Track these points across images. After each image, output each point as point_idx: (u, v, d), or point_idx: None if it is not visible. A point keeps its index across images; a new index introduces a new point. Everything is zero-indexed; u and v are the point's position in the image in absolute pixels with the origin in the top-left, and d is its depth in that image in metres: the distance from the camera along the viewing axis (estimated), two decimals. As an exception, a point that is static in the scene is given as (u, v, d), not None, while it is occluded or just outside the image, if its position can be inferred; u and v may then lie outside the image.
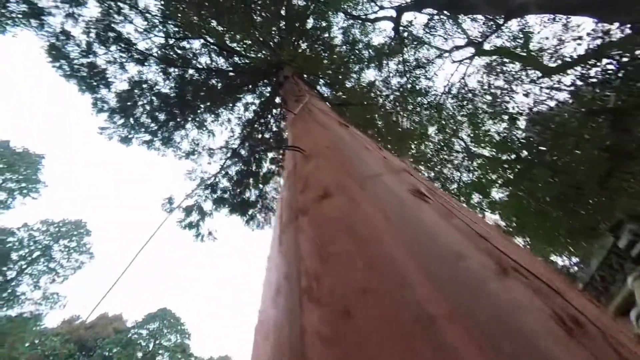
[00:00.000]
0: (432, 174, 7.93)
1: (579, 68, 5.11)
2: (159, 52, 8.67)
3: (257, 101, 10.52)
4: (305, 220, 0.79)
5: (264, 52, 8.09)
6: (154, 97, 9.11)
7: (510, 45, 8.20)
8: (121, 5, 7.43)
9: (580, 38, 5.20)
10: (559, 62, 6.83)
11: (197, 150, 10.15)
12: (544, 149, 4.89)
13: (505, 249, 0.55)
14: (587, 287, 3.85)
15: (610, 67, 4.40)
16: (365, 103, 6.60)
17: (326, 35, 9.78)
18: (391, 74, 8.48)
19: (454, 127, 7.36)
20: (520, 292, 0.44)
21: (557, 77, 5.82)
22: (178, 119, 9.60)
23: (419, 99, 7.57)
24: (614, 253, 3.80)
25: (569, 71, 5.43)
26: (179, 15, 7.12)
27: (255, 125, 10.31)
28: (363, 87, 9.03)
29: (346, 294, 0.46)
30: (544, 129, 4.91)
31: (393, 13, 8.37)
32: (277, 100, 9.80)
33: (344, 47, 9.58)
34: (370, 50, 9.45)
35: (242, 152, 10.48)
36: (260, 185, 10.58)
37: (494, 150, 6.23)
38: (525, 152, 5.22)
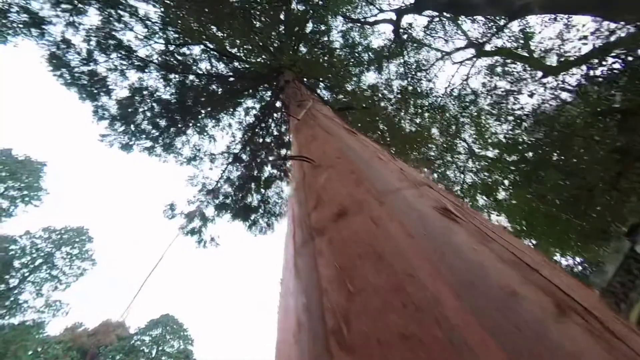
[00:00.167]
0: (436, 176, 7.87)
1: (583, 67, 5.08)
2: (160, 58, 8.68)
3: (257, 105, 10.52)
4: (323, 242, 0.73)
5: (264, 57, 8.09)
6: (154, 104, 9.11)
7: (511, 46, 8.17)
8: (121, 13, 7.44)
9: (585, 37, 5.15)
10: (561, 61, 6.79)
11: (198, 155, 10.12)
12: (551, 149, 4.82)
13: (557, 281, 0.49)
14: (605, 293, 3.75)
15: (616, 66, 4.36)
16: (368, 107, 6.55)
17: (325, 39, 9.79)
18: (392, 77, 8.46)
19: (458, 129, 7.30)
20: (582, 337, 0.38)
21: (561, 77, 5.78)
22: (179, 125, 9.59)
23: (421, 100, 7.52)
24: (633, 258, 3.70)
25: (574, 71, 5.40)
26: (179, 21, 7.13)
27: (257, 130, 10.30)
28: (364, 90, 9.00)
29: (383, 341, 0.40)
30: (550, 130, 4.85)
31: (393, 16, 8.36)
32: (278, 104, 9.78)
33: (344, 50, 9.57)
34: (369, 53, 9.44)
35: (244, 156, 10.46)
36: (262, 190, 10.54)
37: (499, 151, 6.16)
38: (531, 154, 5.15)
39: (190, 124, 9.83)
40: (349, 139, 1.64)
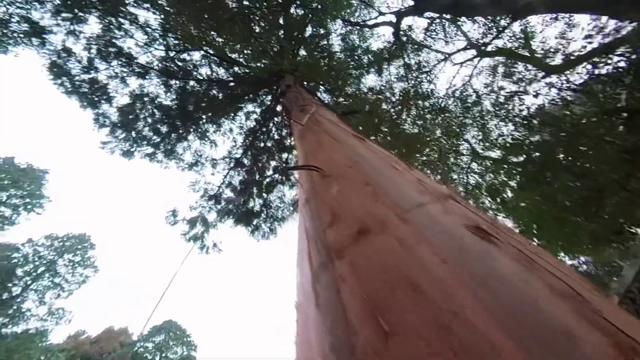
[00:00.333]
0: (439, 177, 7.80)
1: (588, 66, 5.03)
2: (160, 65, 8.69)
3: (258, 110, 10.51)
4: (344, 266, 0.67)
5: (264, 61, 8.08)
6: (155, 110, 9.11)
7: (512, 46, 8.12)
8: (122, 20, 7.46)
9: (590, 36, 5.10)
10: (564, 60, 6.73)
11: (200, 161, 10.09)
12: (557, 150, 4.74)
13: (614, 318, 0.43)
14: (623, 299, 3.65)
15: (621, 64, 4.30)
16: (372, 111, 6.51)
17: (325, 42, 9.79)
18: (394, 79, 8.42)
19: (460, 130, 7.24)
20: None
21: (565, 76, 5.72)
22: (180, 131, 9.57)
23: (423, 102, 7.47)
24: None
25: (578, 70, 5.34)
26: (179, 28, 7.13)
27: (258, 134, 10.27)
28: (364, 93, 8.97)
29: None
30: (556, 130, 4.78)
31: (393, 18, 8.34)
32: (278, 108, 9.76)
33: (344, 53, 9.56)
34: (369, 56, 9.42)
35: (245, 161, 10.42)
36: (264, 195, 10.48)
37: (503, 152, 6.08)
38: (537, 154, 5.07)
39: (192, 130, 9.81)
40: (358, 146, 1.58)
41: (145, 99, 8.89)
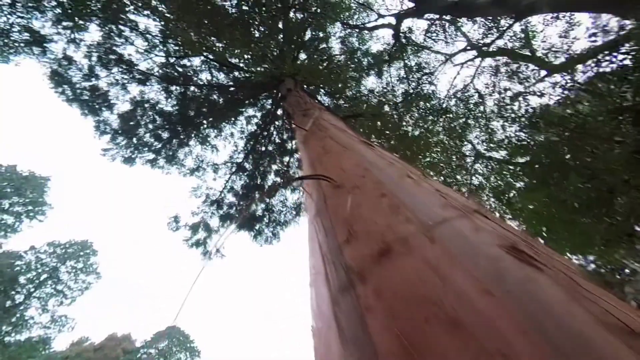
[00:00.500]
0: (443, 179, 7.73)
1: (591, 65, 4.97)
2: (160, 71, 8.70)
3: (258, 114, 10.49)
4: (368, 292, 0.61)
5: (265, 66, 8.07)
6: (156, 116, 9.10)
7: (513, 45, 8.08)
8: (122, 28, 7.47)
9: (594, 34, 5.05)
10: (567, 59, 6.68)
11: (201, 166, 10.06)
12: (563, 150, 4.67)
13: None
14: None
15: (626, 62, 4.24)
16: (376, 114, 6.46)
17: (325, 45, 9.79)
18: (395, 81, 8.38)
19: (464, 131, 7.17)
20: None
21: (569, 75, 5.66)
22: (181, 136, 9.56)
23: (425, 103, 7.42)
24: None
25: (582, 68, 5.27)
26: (179, 34, 7.14)
27: (259, 138, 10.25)
28: (366, 95, 8.94)
29: None
30: (562, 130, 4.71)
31: (392, 20, 8.33)
32: (279, 112, 9.75)
33: (344, 56, 9.55)
34: (369, 58, 9.41)
35: (247, 165, 10.39)
36: (266, 199, 10.43)
37: (508, 153, 6.01)
38: (544, 155, 4.99)
39: (193, 135, 9.80)
40: (368, 153, 1.52)
41: (146, 105, 8.89)
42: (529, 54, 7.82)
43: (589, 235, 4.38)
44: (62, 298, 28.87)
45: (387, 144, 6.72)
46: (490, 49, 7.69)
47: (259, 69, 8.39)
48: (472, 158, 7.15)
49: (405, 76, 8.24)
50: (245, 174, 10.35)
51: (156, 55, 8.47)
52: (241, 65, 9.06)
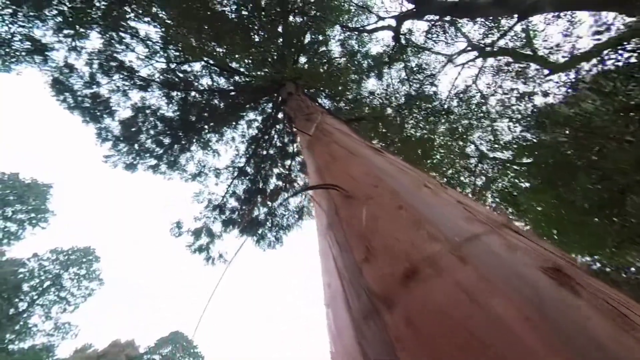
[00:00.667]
0: (446, 180, 7.66)
1: (596, 63, 4.93)
2: (161, 77, 8.72)
3: (259, 118, 10.49)
4: (397, 320, 0.55)
5: (265, 70, 8.07)
6: (157, 122, 9.10)
7: (514, 45, 8.05)
8: (123, 35, 7.49)
9: (599, 32, 5.00)
10: (569, 57, 6.64)
11: (203, 171, 10.04)
12: (569, 150, 4.61)
13: None
14: None
15: (632, 60, 4.18)
16: (380, 117, 6.41)
17: (325, 48, 9.80)
18: (397, 83, 8.35)
19: (467, 131, 7.12)
20: None
21: (573, 74, 5.62)
22: (183, 142, 9.55)
23: (427, 105, 7.38)
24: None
25: (586, 67, 5.23)
26: (180, 40, 7.15)
27: (260, 142, 10.23)
28: (367, 97, 8.91)
29: None
30: (569, 130, 4.65)
31: (392, 22, 8.31)
32: (280, 115, 9.73)
33: (344, 58, 9.54)
34: (369, 60, 9.39)
35: (249, 169, 10.36)
36: (269, 203, 10.39)
37: (514, 154, 5.94)
38: (550, 155, 4.92)
39: (194, 140, 9.79)
40: (378, 160, 1.47)
41: (147, 111, 8.90)
42: (530, 53, 7.78)
43: (600, 237, 4.29)
44: (65, 305, 28.85)
45: (391, 147, 6.67)
46: (493, 49, 7.65)
47: (259, 73, 8.40)
48: (477, 159, 7.08)
49: (406, 78, 8.21)
50: (247, 178, 10.32)
51: (157, 61, 8.49)
52: (242, 69, 9.07)
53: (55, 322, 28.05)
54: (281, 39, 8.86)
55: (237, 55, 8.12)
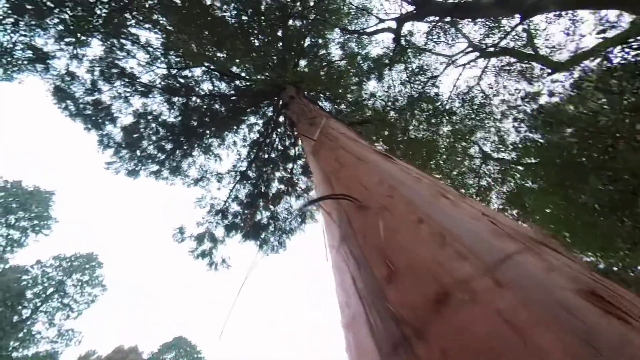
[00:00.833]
0: (450, 181, 7.59)
1: (600, 61, 4.88)
2: (162, 82, 8.73)
3: (260, 121, 10.48)
4: (433, 353, 0.50)
5: (266, 74, 8.07)
6: (159, 128, 9.11)
7: (515, 45, 8.01)
8: (124, 41, 7.51)
9: (603, 31, 4.95)
10: (572, 56, 6.59)
11: (205, 176, 10.02)
12: (578, 150, 4.54)
13: None
14: None
15: (638, 58, 4.13)
16: (385, 120, 6.37)
17: (324, 51, 9.80)
18: (399, 85, 8.32)
19: (471, 132, 7.07)
20: None
21: (577, 73, 5.57)
22: (185, 147, 9.55)
23: (430, 106, 7.34)
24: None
25: (592, 66, 5.17)
26: (181, 46, 7.16)
27: (262, 145, 10.21)
28: (368, 99, 8.88)
29: None
30: (576, 129, 4.58)
31: (393, 24, 8.30)
32: (281, 119, 9.72)
33: (345, 61, 9.54)
34: (370, 62, 9.38)
35: (250, 173, 10.34)
36: (271, 207, 10.34)
37: (519, 155, 5.88)
38: (557, 156, 4.85)
39: (196, 145, 9.79)
40: (389, 167, 1.42)
41: (149, 117, 8.91)
42: (532, 52, 7.74)
43: (611, 239, 4.20)
44: (68, 312, 28.83)
45: (395, 150, 6.62)
46: (494, 49, 7.62)
47: (260, 77, 8.40)
48: (481, 160, 7.02)
49: (408, 79, 8.18)
50: (249, 182, 10.29)
51: (158, 67, 8.52)
52: (242, 74, 9.08)
53: (59, 329, 28.05)
54: (281, 43, 8.88)
55: (237, 60, 8.13)
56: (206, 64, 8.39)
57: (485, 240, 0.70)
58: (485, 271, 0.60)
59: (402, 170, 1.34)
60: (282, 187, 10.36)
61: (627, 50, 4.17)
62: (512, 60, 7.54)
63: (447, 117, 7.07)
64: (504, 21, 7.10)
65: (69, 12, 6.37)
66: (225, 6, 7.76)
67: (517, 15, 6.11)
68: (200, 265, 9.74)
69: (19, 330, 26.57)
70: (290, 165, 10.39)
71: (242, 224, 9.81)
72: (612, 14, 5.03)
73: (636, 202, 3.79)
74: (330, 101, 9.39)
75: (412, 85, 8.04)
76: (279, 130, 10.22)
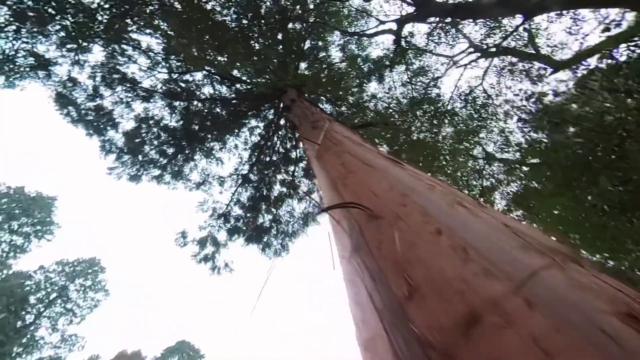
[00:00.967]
0: (451, 182, 7.54)
1: (603, 60, 4.84)
2: (164, 87, 8.75)
3: (261, 124, 10.48)
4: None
5: (267, 77, 8.07)
6: (161, 132, 9.12)
7: (516, 44, 7.98)
8: (125, 47, 7.54)
9: (607, 30, 4.92)
10: (573, 55, 6.55)
11: (207, 180, 10.00)
12: (585, 151, 4.48)
13: None
14: None
15: (643, 56, 4.10)
16: (389, 123, 6.33)
17: (325, 54, 9.81)
18: (400, 86, 8.29)
19: (475, 133, 7.03)
20: None
21: (580, 72, 5.52)
22: (186, 151, 9.55)
23: (432, 107, 7.31)
24: None
25: (593, 64, 5.12)
26: (181, 51, 7.18)
27: (263, 148, 10.20)
28: (368, 101, 8.86)
29: None
30: (582, 129, 4.53)
31: (393, 26, 8.28)
32: (282, 122, 9.71)
33: (345, 63, 9.53)
34: (370, 64, 9.36)
35: (252, 177, 10.32)
36: (273, 210, 10.31)
37: (524, 155, 5.83)
38: (563, 156, 4.79)
39: (197, 149, 9.79)
40: (399, 173, 1.39)
41: (151, 122, 8.92)
42: (533, 52, 7.70)
43: (621, 240, 4.13)
44: (71, 317, 28.82)
45: (398, 152, 6.58)
46: (496, 49, 7.58)
47: (260, 80, 8.40)
48: (484, 160, 6.97)
49: (409, 80, 8.16)
50: (251, 185, 10.27)
51: (159, 72, 8.53)
52: (243, 77, 9.09)
53: (62, 334, 28.03)
54: (281, 46, 8.88)
55: (238, 64, 8.14)
56: (207, 68, 8.41)
57: (510, 254, 0.66)
58: (515, 290, 0.56)
59: (412, 176, 1.30)
60: (284, 189, 10.35)
61: (632, 48, 4.13)
62: (514, 60, 7.51)
63: (449, 118, 7.04)
64: (505, 21, 7.09)
65: (70, 18, 6.39)
66: (225, 10, 7.77)
67: (519, 15, 6.09)
68: (202, 269, 9.70)
69: (23, 335, 26.57)
70: (292, 168, 10.37)
71: (244, 228, 9.78)
72: (613, 13, 5.00)
73: (646, 203, 3.75)
74: (331, 103, 9.38)
75: (413, 86, 8.01)
76: (280, 133, 10.21)
